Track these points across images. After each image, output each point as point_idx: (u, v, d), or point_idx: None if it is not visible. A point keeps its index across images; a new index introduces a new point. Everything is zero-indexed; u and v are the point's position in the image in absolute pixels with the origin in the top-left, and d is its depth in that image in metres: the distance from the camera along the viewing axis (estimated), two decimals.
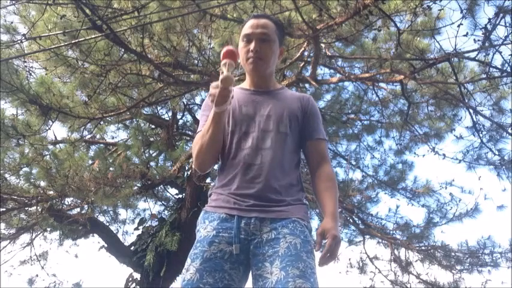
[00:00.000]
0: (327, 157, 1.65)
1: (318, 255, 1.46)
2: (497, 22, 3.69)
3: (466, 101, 4.84)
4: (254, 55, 1.59)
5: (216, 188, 1.59)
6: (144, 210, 7.62)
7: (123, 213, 7.42)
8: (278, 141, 1.56)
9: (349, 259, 7.48)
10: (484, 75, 4.46)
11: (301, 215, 1.51)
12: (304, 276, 1.32)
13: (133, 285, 6.25)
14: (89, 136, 6.30)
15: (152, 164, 5.80)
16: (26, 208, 5.74)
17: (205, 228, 1.50)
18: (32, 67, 4.84)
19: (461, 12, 3.76)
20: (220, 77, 1.37)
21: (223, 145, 1.62)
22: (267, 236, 1.43)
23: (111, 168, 5.35)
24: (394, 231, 6.76)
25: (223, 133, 1.61)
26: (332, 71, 6.26)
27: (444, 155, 5.43)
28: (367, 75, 5.13)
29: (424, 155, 6.00)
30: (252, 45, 1.59)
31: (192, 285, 1.37)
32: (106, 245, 6.54)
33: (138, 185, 6.12)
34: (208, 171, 1.71)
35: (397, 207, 6.58)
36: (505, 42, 3.83)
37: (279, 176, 1.53)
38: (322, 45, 4.97)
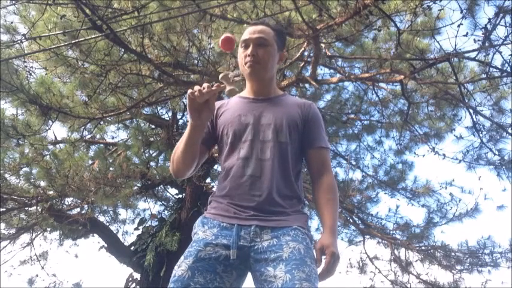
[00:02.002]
0: (328, 166, 1.62)
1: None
2: (497, 22, 3.69)
3: (466, 101, 4.84)
4: (251, 59, 1.58)
5: (216, 196, 1.58)
6: (144, 210, 7.63)
7: (123, 213, 7.43)
8: (278, 151, 1.54)
9: (349, 259, 7.50)
10: (484, 75, 4.46)
11: (301, 223, 1.50)
12: (310, 280, 1.32)
13: (133, 285, 6.25)
14: (89, 136, 6.30)
15: (152, 164, 5.81)
16: (26, 208, 5.75)
17: (204, 231, 1.49)
18: (32, 67, 4.84)
19: (461, 12, 3.76)
20: (226, 91, 1.42)
21: (222, 154, 1.61)
22: (268, 243, 1.42)
23: (111, 168, 5.35)
24: (394, 231, 6.76)
25: (219, 140, 1.63)
26: (332, 71, 6.26)
27: (444, 155, 5.43)
28: (367, 75, 5.13)
29: (424, 155, 6.00)
30: (249, 50, 1.59)
31: (183, 282, 1.36)
32: (106, 245, 6.54)
33: (138, 185, 6.12)
34: (184, 178, 1.69)
35: (397, 207, 6.59)
36: (505, 42, 3.83)
37: (279, 187, 1.51)
38: (322, 45, 4.97)
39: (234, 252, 1.41)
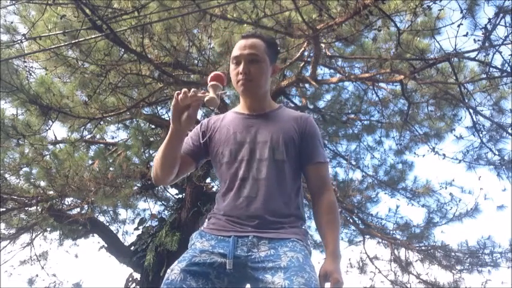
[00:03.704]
0: (328, 182, 1.59)
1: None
2: (497, 22, 3.69)
3: (466, 101, 4.84)
4: (243, 77, 1.55)
5: (215, 213, 1.57)
6: (144, 210, 7.63)
7: (123, 213, 7.43)
8: (275, 169, 1.51)
9: (349, 259, 7.51)
10: (484, 75, 4.47)
11: (300, 236, 1.49)
12: (309, 285, 1.30)
13: (133, 285, 6.25)
14: (89, 136, 6.30)
15: (152, 164, 5.79)
16: (26, 208, 5.74)
17: (201, 242, 1.49)
18: (32, 67, 4.84)
19: (461, 12, 3.77)
20: (206, 98, 1.38)
21: (220, 174, 1.59)
22: (265, 253, 1.41)
23: (111, 168, 5.35)
24: (394, 231, 6.76)
25: (214, 158, 1.61)
26: (332, 71, 6.26)
27: (444, 155, 5.44)
28: (367, 75, 5.13)
29: (424, 155, 6.01)
30: (240, 67, 1.56)
31: (175, 285, 1.35)
32: (106, 245, 6.54)
33: (138, 185, 6.12)
34: (164, 185, 1.67)
35: (397, 207, 6.59)
36: (505, 42, 3.84)
37: (276, 207, 1.49)
38: (322, 45, 4.97)
39: (230, 262, 1.39)
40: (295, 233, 1.48)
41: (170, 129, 1.46)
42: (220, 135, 1.59)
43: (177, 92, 1.40)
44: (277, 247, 1.41)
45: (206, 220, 1.60)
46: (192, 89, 1.39)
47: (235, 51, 1.60)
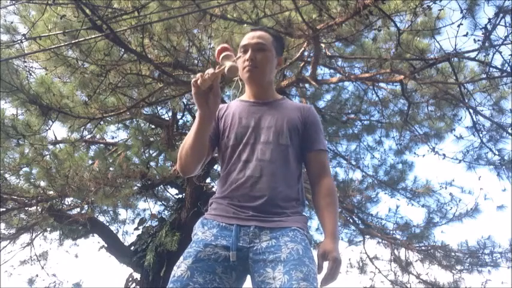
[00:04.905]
0: (327, 169, 1.65)
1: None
2: (497, 22, 3.69)
3: (466, 101, 4.84)
4: (249, 63, 1.60)
5: (216, 198, 1.59)
6: (144, 210, 7.64)
7: (123, 213, 7.44)
8: (279, 153, 1.55)
9: (349, 259, 7.51)
10: (484, 75, 4.46)
11: (300, 224, 1.51)
12: (308, 280, 1.32)
13: (133, 285, 6.25)
14: (89, 136, 6.30)
15: (152, 164, 5.80)
16: (26, 208, 5.74)
17: (203, 232, 1.50)
18: (32, 67, 4.85)
19: (461, 12, 3.76)
20: (226, 68, 1.37)
21: (223, 157, 1.62)
22: (266, 244, 1.43)
23: (111, 168, 5.35)
24: (394, 231, 6.76)
25: (219, 142, 1.63)
26: (332, 71, 6.26)
27: (444, 155, 5.43)
28: (367, 75, 5.13)
29: (424, 155, 6.00)
30: (247, 55, 1.61)
31: (182, 282, 1.36)
32: (106, 245, 6.54)
33: (138, 185, 6.11)
34: (191, 175, 1.68)
35: (397, 207, 6.59)
36: (505, 42, 3.83)
37: (279, 189, 1.52)
38: (322, 45, 4.97)
39: (233, 254, 1.41)
40: (297, 221, 1.51)
41: (198, 116, 1.45)
42: (226, 121, 1.64)
43: (193, 80, 1.39)
44: (278, 236, 1.43)
45: (209, 206, 1.61)
46: (208, 70, 1.40)
47: (244, 41, 1.65)
